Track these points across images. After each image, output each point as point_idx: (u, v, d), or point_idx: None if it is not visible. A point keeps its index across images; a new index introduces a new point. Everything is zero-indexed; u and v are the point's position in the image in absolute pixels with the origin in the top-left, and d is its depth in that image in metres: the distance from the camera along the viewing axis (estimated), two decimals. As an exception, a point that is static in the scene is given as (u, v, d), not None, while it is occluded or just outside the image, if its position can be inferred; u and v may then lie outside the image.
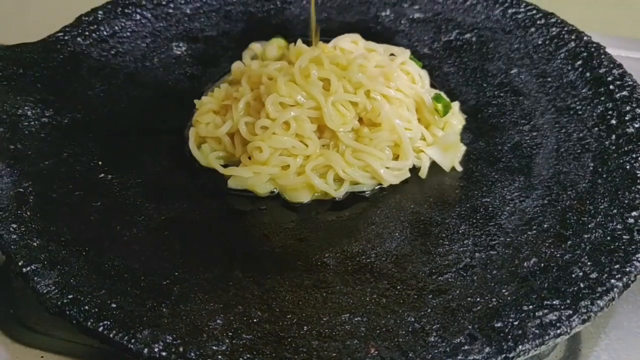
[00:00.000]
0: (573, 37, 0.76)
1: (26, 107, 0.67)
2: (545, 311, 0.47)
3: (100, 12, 0.80)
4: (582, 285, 0.49)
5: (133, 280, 0.51)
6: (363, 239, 0.57)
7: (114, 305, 0.48)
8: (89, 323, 0.47)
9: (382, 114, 0.63)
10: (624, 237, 0.53)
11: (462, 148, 0.66)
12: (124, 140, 0.67)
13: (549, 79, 0.73)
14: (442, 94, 0.69)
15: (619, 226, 0.54)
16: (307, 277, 0.53)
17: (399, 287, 0.52)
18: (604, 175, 0.60)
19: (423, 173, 0.64)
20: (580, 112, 0.68)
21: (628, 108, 0.65)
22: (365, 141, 0.63)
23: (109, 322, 0.47)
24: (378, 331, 0.48)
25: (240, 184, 0.62)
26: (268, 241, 0.57)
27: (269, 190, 0.63)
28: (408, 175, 0.64)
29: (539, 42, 0.77)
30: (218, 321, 0.48)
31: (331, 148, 0.64)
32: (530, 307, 0.48)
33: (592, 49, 0.73)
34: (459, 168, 0.65)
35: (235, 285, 0.52)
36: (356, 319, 0.49)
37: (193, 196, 0.62)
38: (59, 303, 0.48)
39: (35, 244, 0.53)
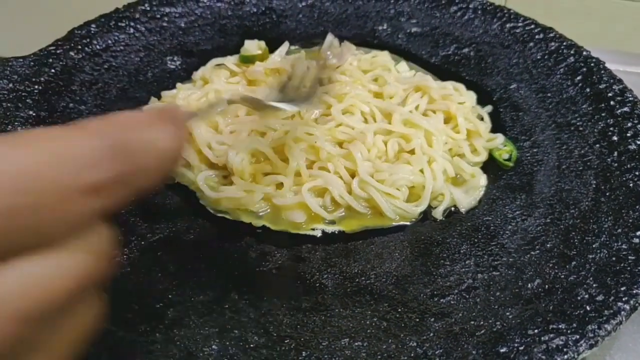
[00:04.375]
0: (572, 51, 0.75)
1: (16, 123, 0.65)
2: (551, 335, 0.46)
3: (93, 25, 0.79)
4: (588, 308, 0.48)
5: (125, 304, 0.50)
6: (362, 259, 0.56)
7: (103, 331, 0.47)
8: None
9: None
10: (629, 257, 0.52)
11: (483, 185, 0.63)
12: (116, 157, 0.66)
13: (549, 95, 0.72)
14: (509, 141, 0.67)
15: (624, 246, 0.53)
16: (305, 300, 0.51)
17: (400, 310, 0.50)
18: (607, 193, 0.59)
19: (438, 213, 0.61)
20: (581, 129, 0.67)
21: (629, 124, 0.65)
22: (383, 176, 0.60)
23: (97, 349, 0.45)
24: (379, 356, 0.46)
25: (233, 203, 0.61)
26: (265, 261, 0.55)
27: (260, 208, 0.61)
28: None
29: (538, 57, 0.77)
30: (213, 347, 0.47)
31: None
32: (536, 331, 0.46)
33: (592, 64, 0.72)
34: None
35: (231, 308, 0.50)
36: (356, 343, 0.47)
37: (188, 215, 0.60)
38: (47, 329, 0.46)
39: (23, 266, 0.51)
